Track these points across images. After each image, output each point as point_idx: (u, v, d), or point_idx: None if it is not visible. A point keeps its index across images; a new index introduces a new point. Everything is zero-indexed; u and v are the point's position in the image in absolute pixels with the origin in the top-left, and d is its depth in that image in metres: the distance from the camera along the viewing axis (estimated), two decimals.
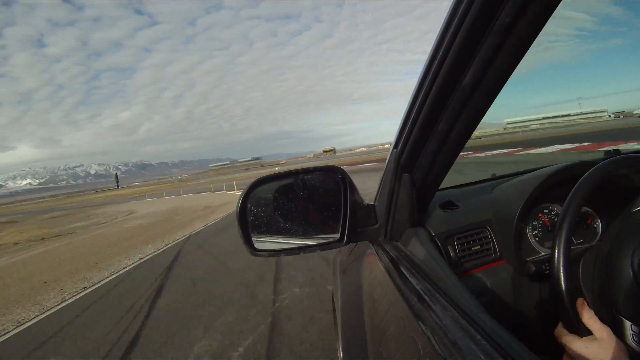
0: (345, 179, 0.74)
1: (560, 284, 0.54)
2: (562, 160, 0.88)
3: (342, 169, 0.75)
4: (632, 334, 0.51)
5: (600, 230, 0.83)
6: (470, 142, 0.65)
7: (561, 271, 0.55)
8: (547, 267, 0.72)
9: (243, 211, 0.72)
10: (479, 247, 0.85)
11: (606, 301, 0.55)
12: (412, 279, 0.59)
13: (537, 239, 0.84)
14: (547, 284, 0.75)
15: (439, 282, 0.56)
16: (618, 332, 0.52)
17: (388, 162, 0.76)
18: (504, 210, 0.87)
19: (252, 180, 0.76)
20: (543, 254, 0.82)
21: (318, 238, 0.79)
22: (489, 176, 1.16)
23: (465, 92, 0.51)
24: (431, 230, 0.82)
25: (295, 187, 0.79)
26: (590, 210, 0.85)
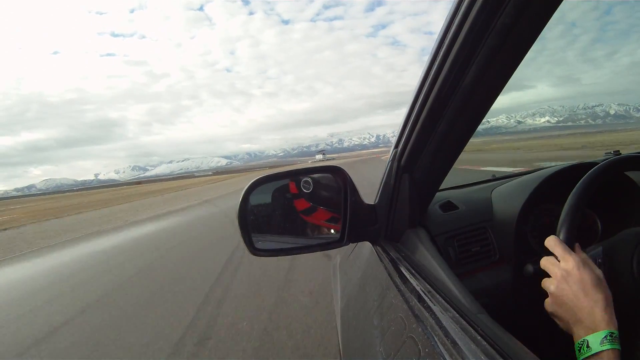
0: (345, 179, 0.74)
1: None
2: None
3: (342, 169, 0.75)
4: None
5: (600, 231, 0.83)
6: (470, 143, 0.65)
7: None
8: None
9: (243, 211, 0.72)
10: (479, 248, 0.85)
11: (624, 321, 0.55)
12: (412, 280, 0.59)
13: (537, 240, 0.84)
14: None
15: (439, 282, 0.56)
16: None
17: (389, 161, 0.76)
18: (504, 211, 0.87)
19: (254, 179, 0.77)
20: (543, 255, 0.82)
21: (318, 238, 0.79)
22: (489, 177, 1.16)
23: (466, 92, 0.52)
24: (431, 231, 0.82)
25: (295, 186, 0.79)
26: (590, 211, 0.85)
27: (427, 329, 0.45)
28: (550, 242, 0.57)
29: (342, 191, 0.75)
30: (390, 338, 0.53)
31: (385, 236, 0.79)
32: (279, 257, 0.78)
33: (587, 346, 0.46)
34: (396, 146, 0.72)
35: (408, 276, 0.60)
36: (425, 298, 0.51)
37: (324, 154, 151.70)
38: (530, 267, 0.75)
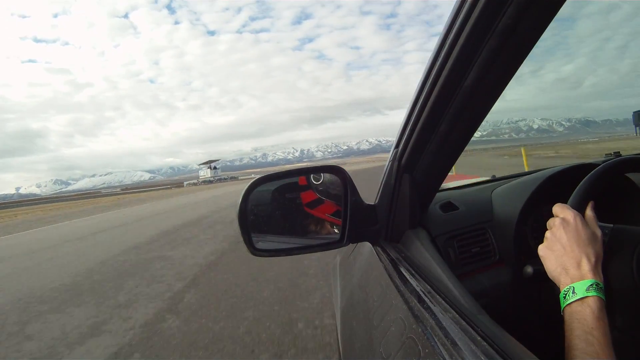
0: (346, 179, 0.74)
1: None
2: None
3: (343, 168, 0.75)
4: None
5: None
6: (470, 144, 0.65)
7: None
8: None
9: (243, 211, 0.72)
10: (478, 249, 0.85)
11: (609, 306, 0.55)
12: (412, 280, 0.59)
13: (537, 241, 0.84)
14: (547, 287, 0.75)
15: (439, 283, 0.56)
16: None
17: (389, 161, 0.76)
18: (504, 212, 0.87)
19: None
20: None
21: (318, 238, 0.79)
22: (489, 177, 1.16)
23: (467, 93, 0.51)
24: (431, 232, 0.82)
25: (295, 186, 0.79)
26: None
27: (427, 330, 0.45)
28: (557, 207, 0.58)
29: (342, 191, 0.74)
30: (390, 338, 0.53)
31: (385, 237, 0.79)
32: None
33: (573, 292, 0.47)
34: (397, 146, 0.72)
35: (408, 277, 0.60)
36: (425, 299, 0.51)
37: (215, 168, 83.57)
38: (530, 268, 0.75)
